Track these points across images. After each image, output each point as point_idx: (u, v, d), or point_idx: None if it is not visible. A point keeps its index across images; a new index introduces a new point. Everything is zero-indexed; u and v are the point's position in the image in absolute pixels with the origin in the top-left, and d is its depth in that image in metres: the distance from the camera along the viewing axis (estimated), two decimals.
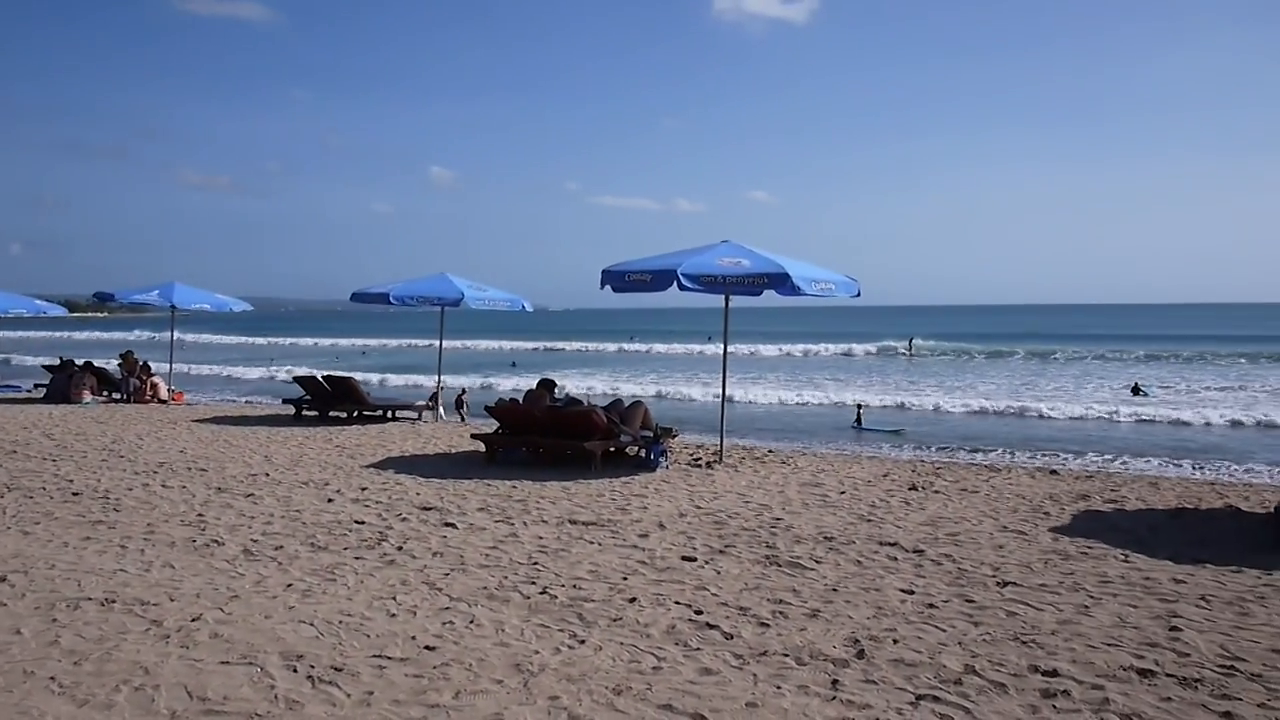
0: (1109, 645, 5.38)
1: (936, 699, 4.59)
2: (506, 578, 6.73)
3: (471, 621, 5.72)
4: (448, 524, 8.50)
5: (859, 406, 20.86)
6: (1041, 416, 21.21)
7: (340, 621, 5.66)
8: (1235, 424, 19.73)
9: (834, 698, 4.59)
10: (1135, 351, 44.25)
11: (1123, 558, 7.46)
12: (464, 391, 20.73)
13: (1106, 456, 15.15)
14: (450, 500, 9.63)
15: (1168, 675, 4.92)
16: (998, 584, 6.67)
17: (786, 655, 5.18)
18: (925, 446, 16.37)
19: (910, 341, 47.73)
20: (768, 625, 5.70)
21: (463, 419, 18.66)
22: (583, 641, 5.37)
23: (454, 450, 13.54)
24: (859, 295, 12.33)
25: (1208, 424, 19.64)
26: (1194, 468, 14.13)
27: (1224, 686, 4.77)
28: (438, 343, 19.56)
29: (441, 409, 18.73)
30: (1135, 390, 27.07)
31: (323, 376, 18.35)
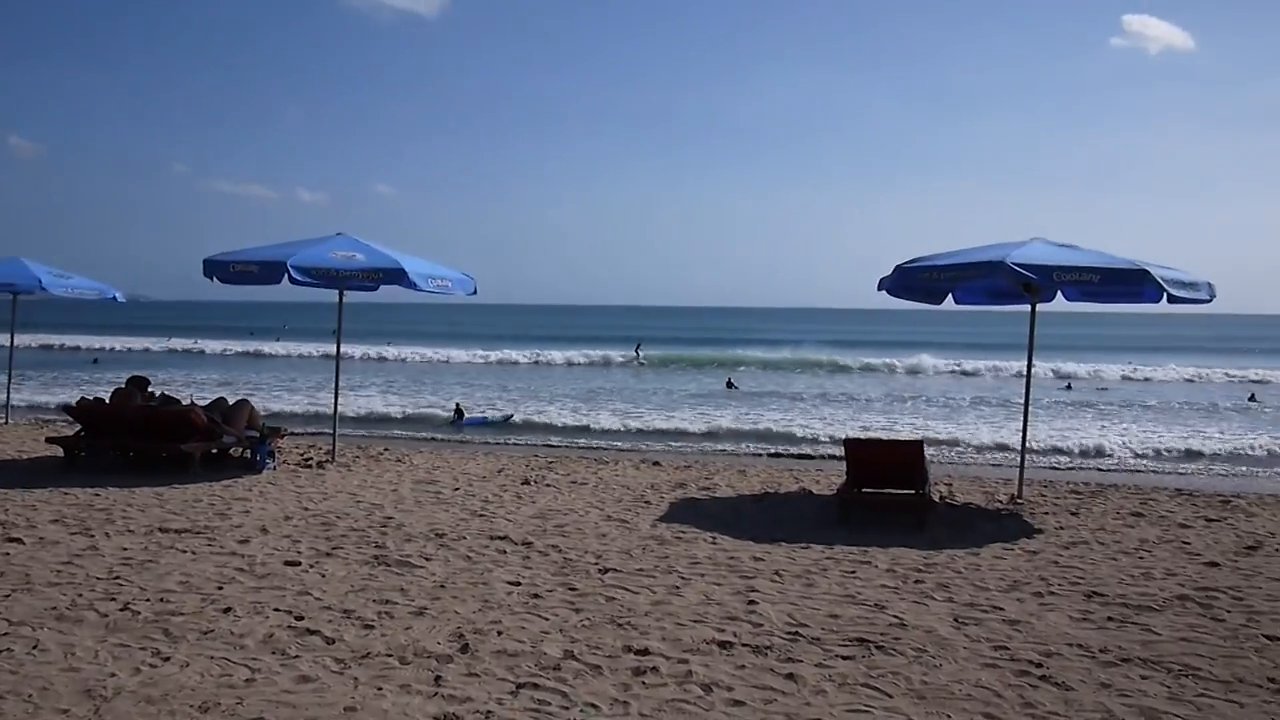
0: (695, 622, 5.82)
1: (536, 686, 4.73)
2: (81, 595, 6.10)
3: (35, 647, 5.13)
4: (11, 539, 7.56)
5: (458, 404, 20.96)
6: (645, 428, 22.37)
7: None
8: (816, 415, 21.93)
9: (435, 694, 4.60)
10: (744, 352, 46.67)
11: (711, 540, 8.10)
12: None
13: (706, 447, 16.32)
14: (17, 512, 8.57)
15: (744, 645, 5.40)
16: (599, 571, 7.00)
17: (390, 655, 5.12)
18: (541, 441, 16.78)
19: (638, 348, 46.22)
20: (372, 626, 5.61)
21: None
22: (168, 659, 4.99)
23: (25, 455, 12.08)
24: (475, 293, 12.48)
25: (793, 417, 21.64)
26: (776, 455, 15.56)
27: (789, 651, 5.32)
28: (9, 338, 17.29)
29: None
30: (729, 384, 29.53)
31: None
